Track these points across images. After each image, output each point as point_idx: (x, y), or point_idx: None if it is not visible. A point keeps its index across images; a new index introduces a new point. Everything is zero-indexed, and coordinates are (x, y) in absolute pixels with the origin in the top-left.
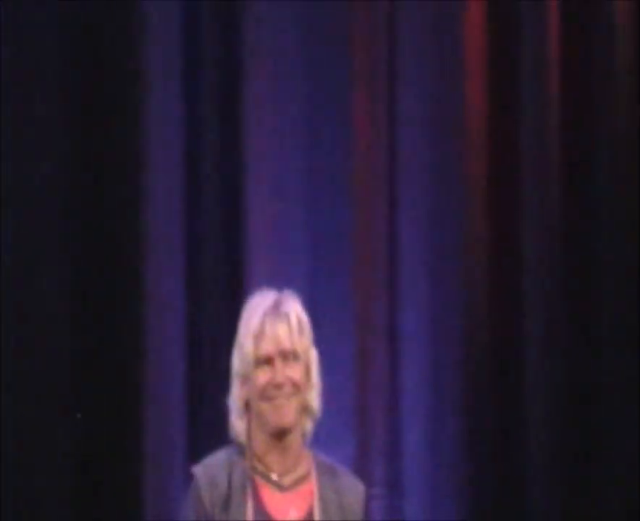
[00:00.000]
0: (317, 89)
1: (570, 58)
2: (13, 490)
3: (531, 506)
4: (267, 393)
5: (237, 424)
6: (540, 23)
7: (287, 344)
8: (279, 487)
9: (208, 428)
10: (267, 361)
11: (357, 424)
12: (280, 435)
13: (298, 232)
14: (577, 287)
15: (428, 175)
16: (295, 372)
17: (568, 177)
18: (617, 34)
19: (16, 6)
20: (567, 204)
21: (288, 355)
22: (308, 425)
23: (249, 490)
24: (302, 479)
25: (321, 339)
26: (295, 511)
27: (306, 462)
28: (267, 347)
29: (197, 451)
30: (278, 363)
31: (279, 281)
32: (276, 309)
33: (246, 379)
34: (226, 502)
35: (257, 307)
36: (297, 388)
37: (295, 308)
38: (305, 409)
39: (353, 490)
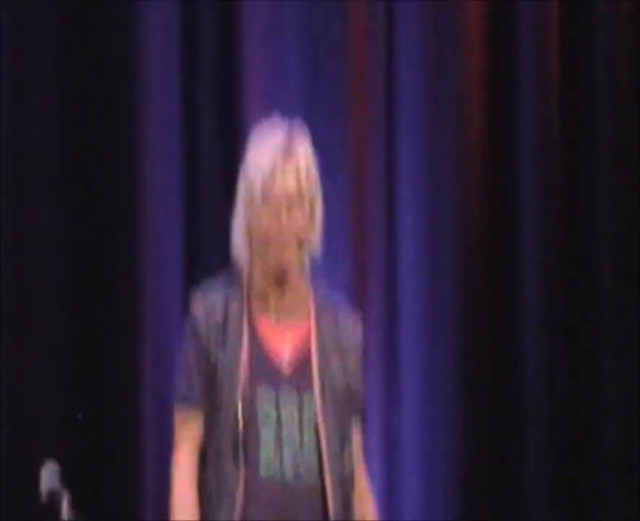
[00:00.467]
0: None
1: (569, 34)
2: None
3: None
4: (270, 237)
5: (240, 244)
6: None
7: (294, 191)
8: (277, 321)
9: None
10: (273, 205)
11: (354, 255)
12: (279, 277)
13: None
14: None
15: None
16: (298, 218)
17: (568, 143)
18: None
19: (15, 6)
20: (567, 167)
21: (294, 202)
22: (306, 259)
23: (245, 321)
24: (301, 315)
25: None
26: (292, 347)
27: (305, 298)
28: (274, 192)
29: None
30: (283, 210)
31: None
32: (287, 153)
33: (249, 208)
34: (222, 332)
35: (267, 142)
36: (299, 231)
37: (304, 151)
38: (305, 245)
39: (352, 328)
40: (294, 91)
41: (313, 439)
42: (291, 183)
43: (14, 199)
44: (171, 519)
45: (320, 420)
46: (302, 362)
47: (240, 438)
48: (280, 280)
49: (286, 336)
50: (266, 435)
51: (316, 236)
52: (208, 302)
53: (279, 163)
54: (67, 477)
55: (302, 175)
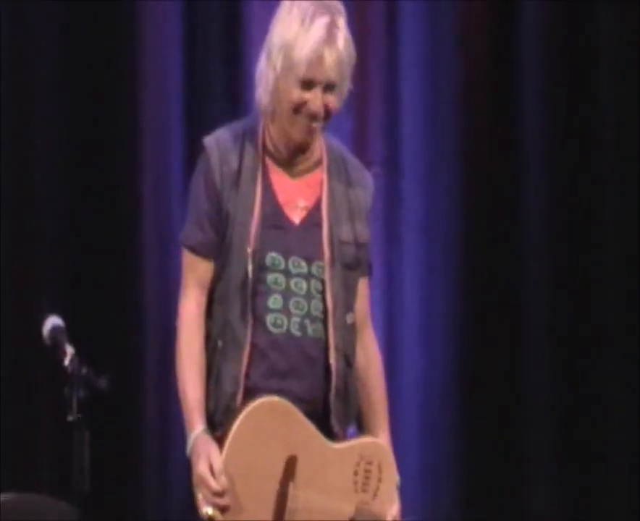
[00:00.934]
0: None
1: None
2: None
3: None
4: (300, 113)
5: (264, 96)
6: None
7: (335, 78)
8: (290, 173)
9: None
10: (309, 84)
11: (355, 103)
12: (301, 147)
13: None
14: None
15: None
16: (332, 100)
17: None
18: None
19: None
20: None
21: (331, 85)
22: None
23: (259, 171)
24: (313, 167)
25: None
26: (303, 200)
27: (318, 150)
28: (317, 78)
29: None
30: (318, 90)
31: None
32: (331, 40)
33: (285, 80)
34: (236, 180)
35: (313, 25)
36: (330, 115)
37: (345, 38)
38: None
39: (362, 182)
40: None
41: (320, 307)
42: (333, 71)
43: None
44: (177, 364)
45: (327, 291)
46: (313, 227)
47: (249, 291)
48: (301, 149)
49: (298, 188)
50: (274, 302)
51: (338, 103)
52: (222, 149)
53: (322, 50)
54: (70, 330)
55: (344, 64)
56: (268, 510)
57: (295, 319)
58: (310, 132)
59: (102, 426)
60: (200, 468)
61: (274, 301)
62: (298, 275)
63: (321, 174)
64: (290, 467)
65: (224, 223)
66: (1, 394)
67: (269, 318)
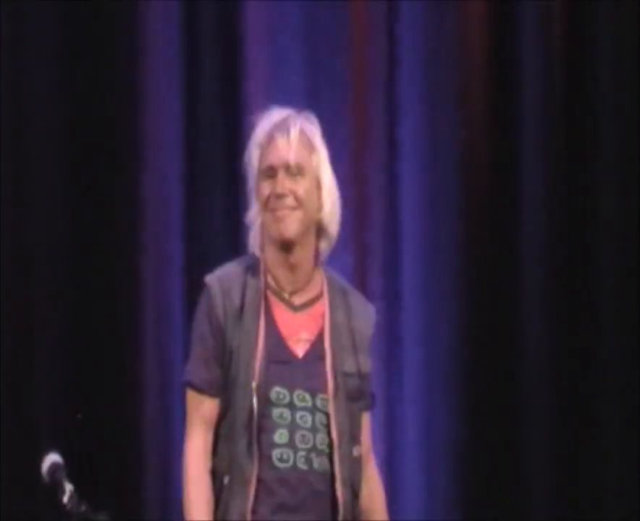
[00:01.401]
0: None
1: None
2: None
3: None
4: (270, 204)
5: (254, 236)
6: None
7: (287, 156)
8: (292, 307)
9: None
10: (271, 173)
11: (355, 236)
12: (285, 248)
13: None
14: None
15: None
16: (298, 186)
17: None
18: None
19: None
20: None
21: (292, 169)
22: (323, 246)
23: (262, 307)
24: (314, 300)
25: None
26: (306, 333)
27: (318, 283)
28: (269, 159)
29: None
30: (280, 175)
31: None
32: (282, 123)
33: (256, 188)
34: (239, 316)
35: (267, 121)
36: (299, 201)
37: (303, 124)
38: (319, 229)
39: (364, 313)
40: (295, 82)
41: (326, 441)
42: (285, 149)
43: (15, 188)
44: (185, 503)
45: (332, 424)
46: (317, 359)
47: (254, 427)
48: (286, 249)
49: (300, 321)
50: (280, 437)
51: (329, 221)
52: (224, 286)
53: (274, 133)
54: (69, 467)
55: (299, 146)
56: None
57: (301, 453)
58: (282, 221)
59: None
60: None
61: (280, 436)
62: (303, 408)
63: (322, 307)
64: None
65: (228, 360)
66: None
67: (275, 453)
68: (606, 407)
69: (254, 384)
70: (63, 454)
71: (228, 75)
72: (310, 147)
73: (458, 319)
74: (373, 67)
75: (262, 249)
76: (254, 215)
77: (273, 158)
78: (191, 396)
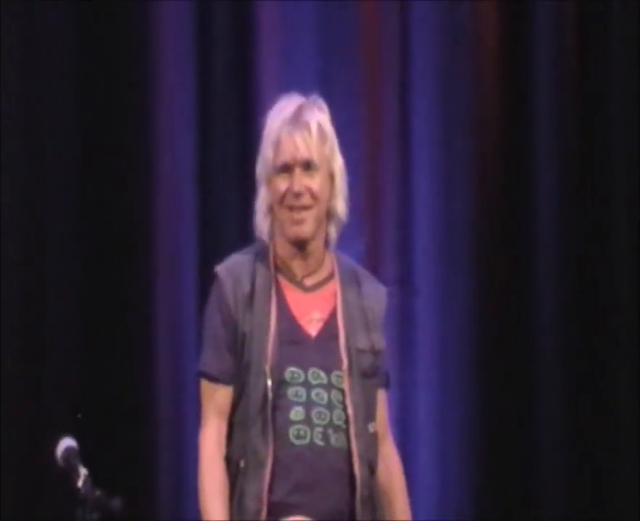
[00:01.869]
0: None
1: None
2: None
3: None
4: (286, 201)
5: (262, 224)
6: None
7: (305, 154)
8: (303, 288)
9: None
10: (286, 169)
11: (368, 223)
12: (300, 244)
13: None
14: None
15: None
16: (314, 182)
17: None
18: None
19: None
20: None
21: (307, 165)
22: (332, 230)
23: (273, 290)
24: (325, 281)
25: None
26: (318, 312)
27: (329, 265)
28: (285, 156)
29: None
30: (297, 172)
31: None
32: (296, 117)
33: (268, 184)
34: (250, 301)
35: (279, 113)
36: (315, 198)
37: (316, 116)
38: (329, 214)
39: (375, 293)
40: (308, 72)
41: (343, 417)
42: (301, 146)
43: (28, 188)
44: (200, 494)
45: (348, 400)
46: (330, 337)
47: (269, 409)
48: (301, 245)
49: (312, 302)
50: (296, 414)
51: (340, 206)
52: (234, 275)
53: (288, 128)
54: (83, 453)
55: (314, 140)
56: None
57: (318, 429)
58: (300, 224)
59: None
60: None
61: (296, 413)
62: (319, 385)
63: (334, 286)
64: None
65: (241, 346)
66: (16, 516)
67: (292, 431)
68: (621, 389)
69: (267, 367)
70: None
71: (240, 70)
72: (324, 139)
73: (471, 304)
74: (385, 60)
75: (271, 236)
76: (261, 202)
77: (288, 155)
78: (205, 385)
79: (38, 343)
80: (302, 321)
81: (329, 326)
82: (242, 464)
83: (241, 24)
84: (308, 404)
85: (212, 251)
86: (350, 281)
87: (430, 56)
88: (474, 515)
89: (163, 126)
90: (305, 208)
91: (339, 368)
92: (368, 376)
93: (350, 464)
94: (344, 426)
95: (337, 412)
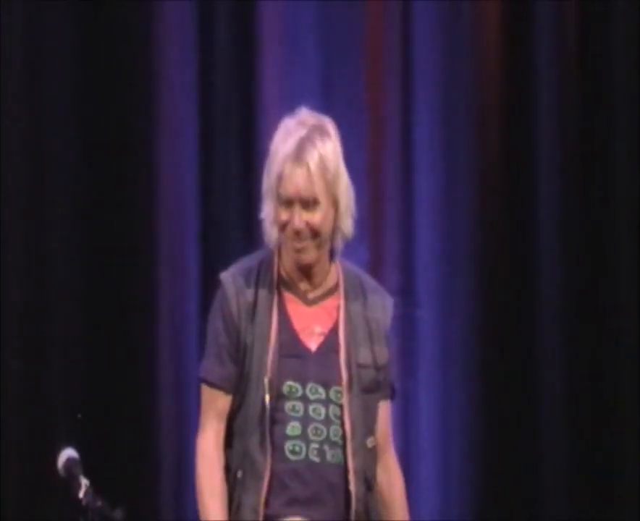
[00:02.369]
0: None
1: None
2: None
3: None
4: (287, 233)
5: (270, 232)
6: None
7: (305, 193)
8: (305, 301)
9: None
10: (288, 203)
11: (370, 234)
12: (302, 269)
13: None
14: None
15: None
16: (314, 217)
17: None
18: None
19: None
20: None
21: (307, 202)
22: (338, 242)
23: (275, 302)
24: (329, 292)
25: None
26: (319, 326)
27: (334, 276)
28: (287, 192)
29: None
30: (297, 208)
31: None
32: (297, 155)
33: (274, 203)
34: (252, 311)
35: (283, 144)
36: (316, 232)
37: (317, 150)
38: (335, 230)
39: (381, 304)
40: (310, 80)
41: (339, 433)
42: (301, 186)
43: (32, 190)
44: (198, 496)
45: (346, 415)
46: (330, 352)
47: (267, 421)
48: (308, 272)
49: (314, 315)
50: (293, 429)
51: (346, 223)
52: (238, 283)
53: (289, 166)
54: (85, 462)
55: (314, 179)
56: None
57: (314, 445)
58: (300, 252)
59: None
60: None
61: (292, 428)
62: (317, 401)
63: (337, 299)
64: None
65: (242, 355)
66: None
67: (287, 446)
68: (621, 390)
69: (266, 379)
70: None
71: (242, 73)
72: (325, 172)
73: (473, 315)
74: (388, 65)
75: (278, 244)
76: (268, 212)
77: (289, 192)
78: (205, 391)
79: (40, 347)
80: (303, 335)
81: (330, 341)
82: (239, 474)
83: (243, 28)
84: (305, 419)
85: (215, 254)
86: (355, 292)
87: (432, 66)
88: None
89: (165, 127)
90: (307, 242)
91: (339, 383)
92: (370, 391)
93: (346, 481)
94: (341, 442)
95: (334, 427)
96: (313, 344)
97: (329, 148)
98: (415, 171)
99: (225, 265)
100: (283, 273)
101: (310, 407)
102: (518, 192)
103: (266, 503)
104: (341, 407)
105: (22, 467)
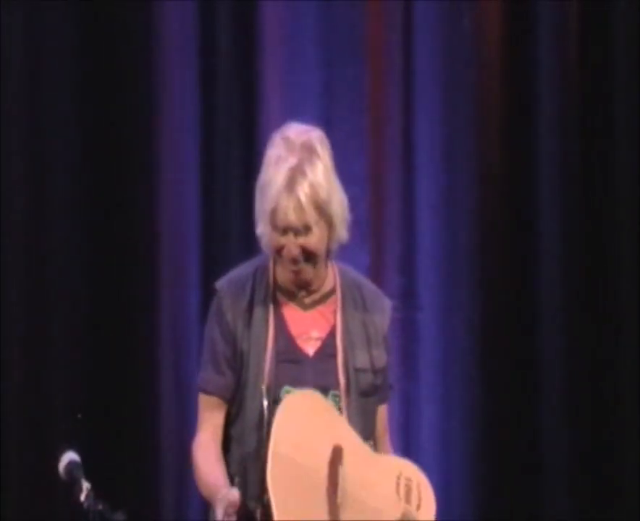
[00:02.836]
0: None
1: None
2: None
3: None
4: (282, 257)
5: (265, 246)
6: None
7: (297, 223)
8: (302, 305)
9: None
10: (280, 232)
11: (371, 237)
12: (298, 286)
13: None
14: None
15: None
16: (309, 241)
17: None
18: None
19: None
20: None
21: (300, 230)
22: (334, 247)
23: (271, 307)
24: (326, 296)
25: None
26: (316, 331)
27: (331, 279)
28: (281, 222)
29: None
30: (291, 236)
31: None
32: (289, 186)
33: (268, 223)
34: (249, 318)
35: (276, 172)
36: (311, 255)
37: (308, 179)
38: (331, 241)
39: (379, 307)
40: (311, 83)
41: None
42: (293, 218)
43: (33, 189)
44: (197, 478)
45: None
46: (328, 357)
47: (265, 428)
48: (305, 285)
49: (311, 320)
50: None
51: (341, 230)
52: (234, 290)
53: (282, 198)
54: (86, 465)
55: (306, 209)
56: (321, 493)
57: None
58: (297, 274)
59: None
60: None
61: None
62: None
63: (334, 303)
64: (337, 455)
65: (239, 363)
66: None
67: None
68: (624, 393)
69: (264, 386)
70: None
71: (243, 75)
72: (318, 198)
73: (474, 318)
74: (389, 66)
75: (273, 258)
76: (262, 232)
77: (283, 223)
78: (203, 399)
79: (40, 347)
80: (300, 340)
81: (327, 345)
82: (237, 480)
83: (244, 28)
84: None
85: (216, 260)
86: (352, 295)
87: (433, 66)
88: None
89: (165, 127)
90: (300, 261)
91: (336, 388)
92: (368, 395)
93: None
94: None
95: None
96: (310, 349)
97: (320, 172)
98: (416, 172)
99: (226, 266)
100: (279, 278)
101: None
102: (518, 192)
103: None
104: (339, 411)
105: (22, 467)
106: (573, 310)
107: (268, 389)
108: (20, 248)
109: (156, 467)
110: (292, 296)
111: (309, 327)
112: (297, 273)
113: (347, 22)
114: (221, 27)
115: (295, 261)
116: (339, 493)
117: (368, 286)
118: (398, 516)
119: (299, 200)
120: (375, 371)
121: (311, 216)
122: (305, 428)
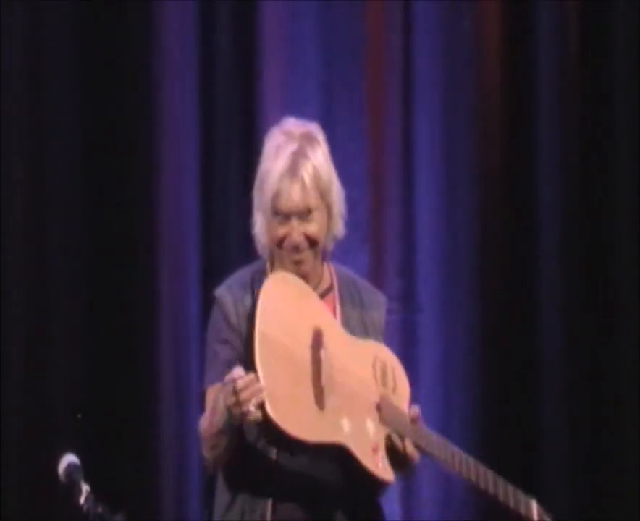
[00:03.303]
0: None
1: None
2: None
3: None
4: (284, 246)
5: (262, 245)
6: None
7: (301, 205)
8: None
9: None
10: (283, 218)
11: (371, 239)
12: (299, 276)
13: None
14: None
15: None
16: (311, 226)
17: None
18: None
19: None
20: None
21: (303, 214)
22: (330, 244)
23: None
24: (323, 294)
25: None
26: None
27: (328, 278)
28: (282, 207)
29: None
30: (293, 222)
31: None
32: (291, 170)
33: (265, 217)
34: (252, 316)
35: (277, 160)
36: (313, 242)
37: (310, 162)
38: (329, 232)
39: (375, 301)
40: (311, 84)
41: None
42: (298, 200)
43: (33, 189)
44: (204, 430)
45: None
46: None
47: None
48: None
49: None
50: None
51: (337, 225)
52: (235, 293)
53: (285, 182)
54: (86, 467)
55: (309, 191)
56: (306, 375)
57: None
58: (299, 264)
59: None
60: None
61: None
62: None
63: (332, 301)
64: (318, 337)
65: (244, 363)
66: None
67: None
68: (624, 393)
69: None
70: (79, 456)
71: (243, 76)
72: (319, 182)
73: (474, 319)
74: (389, 66)
75: (271, 257)
76: (259, 226)
77: (286, 207)
78: (209, 391)
79: (40, 347)
80: None
81: None
82: (243, 478)
83: (244, 29)
84: None
85: (216, 260)
86: (349, 291)
87: (433, 66)
88: None
89: (165, 127)
90: (302, 249)
91: None
92: None
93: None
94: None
95: None
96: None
97: (321, 156)
98: (416, 173)
99: (226, 266)
100: None
101: None
102: (518, 193)
103: (273, 510)
104: None
105: (22, 467)
106: (573, 310)
107: None
108: (20, 248)
109: (156, 468)
110: None
111: None
112: (298, 263)
113: (347, 22)
114: (221, 27)
115: (297, 249)
116: (323, 375)
117: (363, 283)
118: (377, 399)
119: (303, 181)
120: None
121: (314, 198)
122: (288, 310)
